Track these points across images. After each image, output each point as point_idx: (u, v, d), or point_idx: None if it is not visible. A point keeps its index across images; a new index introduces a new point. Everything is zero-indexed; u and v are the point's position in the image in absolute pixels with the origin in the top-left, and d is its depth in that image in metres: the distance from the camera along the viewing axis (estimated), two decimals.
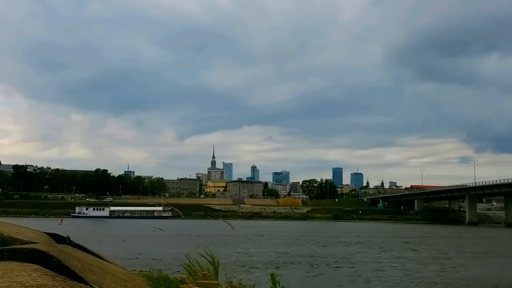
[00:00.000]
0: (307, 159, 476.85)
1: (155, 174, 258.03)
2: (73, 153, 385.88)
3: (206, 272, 4.84)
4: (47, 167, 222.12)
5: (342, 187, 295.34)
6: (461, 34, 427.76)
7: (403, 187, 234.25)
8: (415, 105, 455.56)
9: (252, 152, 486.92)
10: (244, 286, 5.32)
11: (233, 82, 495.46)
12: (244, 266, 29.93)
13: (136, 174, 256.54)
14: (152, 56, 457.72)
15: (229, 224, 6.84)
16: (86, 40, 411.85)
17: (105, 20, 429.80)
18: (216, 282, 4.71)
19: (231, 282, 5.23)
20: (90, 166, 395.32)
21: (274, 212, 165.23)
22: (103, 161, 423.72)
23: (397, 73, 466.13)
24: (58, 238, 7.34)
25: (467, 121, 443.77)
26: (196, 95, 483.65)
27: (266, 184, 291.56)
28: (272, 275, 4.67)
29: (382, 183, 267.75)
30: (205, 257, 5.00)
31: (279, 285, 4.69)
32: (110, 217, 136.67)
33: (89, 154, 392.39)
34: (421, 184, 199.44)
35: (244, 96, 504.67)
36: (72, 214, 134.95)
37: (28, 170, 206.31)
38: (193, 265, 5.07)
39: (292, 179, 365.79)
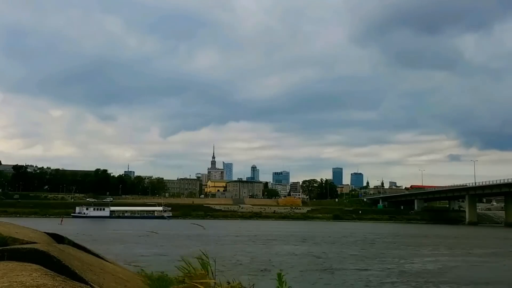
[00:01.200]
0: (302, 157, 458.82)
1: (144, 173, 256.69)
2: (58, 150, 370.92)
3: (204, 272, 4.86)
4: (47, 167, 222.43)
5: (342, 187, 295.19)
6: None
7: (403, 187, 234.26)
8: (402, 98, 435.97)
9: (242, 150, 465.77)
10: (243, 286, 5.33)
11: (220, 74, 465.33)
12: (241, 265, 29.92)
13: (123, 172, 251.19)
14: (133, 44, 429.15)
15: (201, 226, 6.82)
16: (60, 26, 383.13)
17: (81, 3, 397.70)
18: (214, 281, 4.72)
19: (231, 282, 5.24)
20: (77, 165, 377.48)
21: (274, 212, 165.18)
22: (90, 159, 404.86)
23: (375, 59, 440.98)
24: (58, 238, 7.35)
25: (458, 113, 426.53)
26: (180, 88, 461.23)
27: (266, 184, 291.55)
28: (279, 275, 4.68)
29: (382, 183, 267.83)
30: (202, 258, 5.01)
31: (285, 285, 4.69)
32: (110, 217, 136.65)
33: (76, 152, 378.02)
34: (421, 184, 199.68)
35: (232, 90, 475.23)
36: (72, 214, 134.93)
37: (28, 170, 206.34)
38: (189, 266, 5.08)
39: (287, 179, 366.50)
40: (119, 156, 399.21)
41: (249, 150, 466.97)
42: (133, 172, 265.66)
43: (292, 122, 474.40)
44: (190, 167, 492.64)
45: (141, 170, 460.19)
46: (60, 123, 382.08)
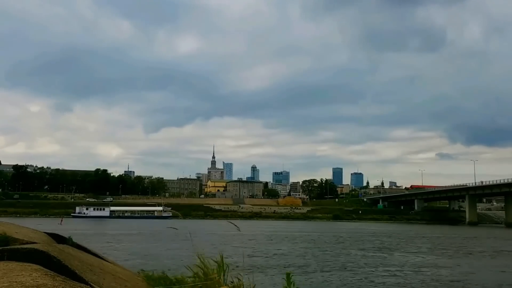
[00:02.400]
0: (296, 155, 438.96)
1: (130, 171, 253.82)
2: (41, 148, 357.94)
3: (213, 273, 4.85)
4: (47, 167, 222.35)
5: (342, 187, 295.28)
6: None
7: (403, 187, 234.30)
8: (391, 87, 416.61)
9: (231, 147, 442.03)
10: (245, 286, 5.33)
11: (204, 63, 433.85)
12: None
13: (110, 170, 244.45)
14: (107, 30, 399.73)
15: (235, 225, 6.83)
16: (25, 10, 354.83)
17: None
18: (216, 277, 4.71)
19: (236, 281, 5.23)
20: (64, 164, 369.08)
21: (274, 212, 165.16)
22: (76, 157, 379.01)
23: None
24: (58, 238, 7.34)
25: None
26: (161, 79, 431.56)
27: (266, 184, 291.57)
28: (288, 275, 4.67)
29: (382, 183, 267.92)
30: (211, 258, 5.00)
31: (293, 285, 4.67)
32: (110, 217, 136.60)
33: (61, 150, 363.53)
34: (421, 184, 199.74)
35: (217, 82, 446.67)
36: (72, 214, 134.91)
37: (28, 170, 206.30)
38: (203, 265, 5.08)
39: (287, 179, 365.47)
40: (106, 153, 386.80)
41: (239, 148, 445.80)
42: (133, 172, 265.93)
43: (282, 118, 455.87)
44: (180, 166, 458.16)
45: (117, 166, 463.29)
46: (40, 118, 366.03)
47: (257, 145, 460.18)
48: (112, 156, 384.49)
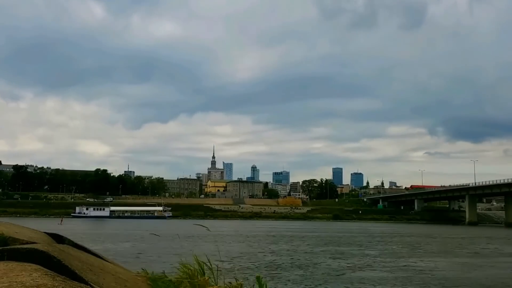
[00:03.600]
0: (290, 153, 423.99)
1: (121, 170, 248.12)
2: (23, 145, 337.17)
3: (205, 276, 4.85)
4: (47, 167, 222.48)
5: (342, 187, 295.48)
6: None
7: (403, 187, 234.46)
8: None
9: (220, 145, 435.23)
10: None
11: (185, 54, 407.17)
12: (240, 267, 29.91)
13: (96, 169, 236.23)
14: (79, 15, 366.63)
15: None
16: None
17: None
18: (214, 284, 4.71)
19: (230, 283, 5.23)
20: (49, 162, 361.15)
21: (274, 212, 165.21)
22: (60, 154, 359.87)
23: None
24: (58, 238, 7.34)
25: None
26: (140, 70, 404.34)
27: (266, 184, 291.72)
28: (258, 278, 4.68)
29: (382, 183, 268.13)
30: (201, 259, 5.00)
31: (265, 287, 4.70)
32: (110, 217, 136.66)
33: (46, 148, 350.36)
34: (421, 184, 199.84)
35: (199, 73, 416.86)
36: (72, 214, 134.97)
37: (28, 170, 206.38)
38: (190, 268, 5.07)
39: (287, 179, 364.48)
40: (92, 151, 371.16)
41: (228, 145, 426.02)
42: (133, 172, 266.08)
43: (271, 113, 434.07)
44: (170, 165, 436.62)
45: (118, 166, 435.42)
46: (17, 113, 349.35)
47: (246, 142, 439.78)
48: (99, 154, 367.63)
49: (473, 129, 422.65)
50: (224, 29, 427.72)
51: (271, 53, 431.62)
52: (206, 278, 4.80)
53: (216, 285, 4.85)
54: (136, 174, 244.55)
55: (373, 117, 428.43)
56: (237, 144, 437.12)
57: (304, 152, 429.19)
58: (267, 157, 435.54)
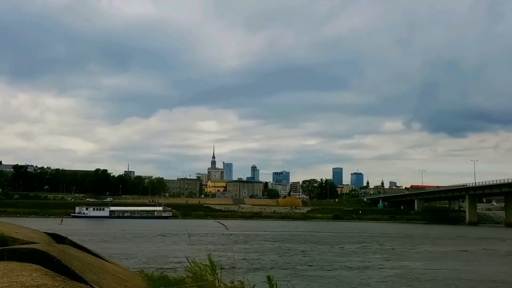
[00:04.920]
0: (282, 150, 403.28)
1: (109, 169, 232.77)
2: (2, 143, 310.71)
3: (207, 274, 4.85)
4: (47, 167, 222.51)
5: (342, 187, 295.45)
6: None
7: (403, 187, 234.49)
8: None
9: (205, 142, 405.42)
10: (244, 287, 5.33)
11: (160, 41, 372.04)
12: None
13: (87, 167, 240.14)
14: None
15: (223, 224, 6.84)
16: None
17: None
18: (216, 281, 4.71)
19: (233, 282, 5.24)
20: (31, 161, 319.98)
21: (274, 212, 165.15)
22: (42, 152, 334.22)
23: None
24: (58, 238, 7.35)
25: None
26: (114, 58, 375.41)
27: (266, 184, 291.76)
28: (269, 278, 4.67)
29: (382, 183, 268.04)
30: (204, 259, 5.00)
31: (276, 287, 4.68)
32: (110, 217, 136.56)
33: (30, 146, 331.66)
34: (421, 184, 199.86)
35: (177, 62, 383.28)
36: (72, 214, 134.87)
37: (28, 170, 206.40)
38: (195, 267, 5.07)
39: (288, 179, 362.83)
40: (76, 149, 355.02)
41: (217, 142, 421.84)
42: (133, 172, 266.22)
43: (257, 107, 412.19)
44: (159, 163, 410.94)
45: (105, 165, 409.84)
46: None
47: (234, 139, 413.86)
48: (84, 151, 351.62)
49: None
50: (202, 11, 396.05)
51: (255, 40, 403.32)
52: (212, 278, 4.81)
53: (220, 284, 4.85)
54: (125, 173, 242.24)
55: (366, 111, 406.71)
56: (225, 142, 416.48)
57: (298, 149, 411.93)
58: (259, 154, 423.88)
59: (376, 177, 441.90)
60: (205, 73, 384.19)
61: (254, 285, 5.50)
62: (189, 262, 5.11)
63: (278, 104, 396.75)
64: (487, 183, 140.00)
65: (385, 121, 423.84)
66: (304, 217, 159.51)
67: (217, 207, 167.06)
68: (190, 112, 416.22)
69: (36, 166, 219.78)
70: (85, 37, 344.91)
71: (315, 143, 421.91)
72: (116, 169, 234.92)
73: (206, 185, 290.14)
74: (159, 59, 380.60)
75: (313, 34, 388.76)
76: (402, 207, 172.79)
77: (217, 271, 4.94)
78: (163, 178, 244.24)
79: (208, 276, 4.79)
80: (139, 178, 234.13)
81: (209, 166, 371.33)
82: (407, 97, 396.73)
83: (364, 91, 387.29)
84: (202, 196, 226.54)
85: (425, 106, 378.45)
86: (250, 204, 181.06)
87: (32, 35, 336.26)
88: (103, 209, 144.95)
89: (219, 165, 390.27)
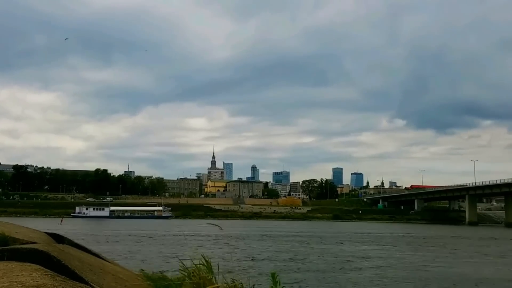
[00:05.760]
0: (276, 147, 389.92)
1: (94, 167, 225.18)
2: None
3: (205, 274, 4.85)
4: (47, 167, 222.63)
5: (342, 187, 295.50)
6: None
7: (403, 187, 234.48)
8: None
9: (198, 140, 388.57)
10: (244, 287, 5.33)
11: (142, 31, 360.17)
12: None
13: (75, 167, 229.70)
14: None
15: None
16: None
17: None
18: (216, 284, 4.71)
19: (234, 281, 5.23)
20: (18, 160, 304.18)
21: (274, 212, 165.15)
22: (35, 152, 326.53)
23: None
24: (58, 238, 7.35)
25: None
26: (97, 50, 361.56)
27: (266, 184, 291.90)
28: (273, 275, 4.66)
29: (382, 183, 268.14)
30: (200, 259, 4.99)
31: (279, 284, 4.67)
32: (110, 217, 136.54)
33: (17, 144, 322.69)
34: (421, 184, 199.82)
35: (163, 54, 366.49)
36: (72, 214, 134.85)
37: (28, 170, 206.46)
38: (188, 267, 5.07)
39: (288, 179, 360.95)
40: (65, 147, 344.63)
41: (208, 140, 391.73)
42: (133, 172, 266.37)
43: (248, 103, 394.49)
44: (151, 161, 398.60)
45: (97, 163, 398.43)
46: None
47: (226, 137, 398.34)
48: (73, 149, 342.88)
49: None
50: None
51: (242, 29, 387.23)
52: (209, 277, 4.80)
53: (217, 283, 4.85)
54: (125, 173, 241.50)
55: (361, 108, 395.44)
56: (217, 140, 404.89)
57: (295, 147, 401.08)
58: (254, 153, 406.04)
59: (376, 176, 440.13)
60: (191, 67, 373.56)
61: (254, 285, 5.50)
62: (181, 262, 5.09)
63: (269, 100, 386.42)
64: (487, 183, 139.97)
65: (381, 118, 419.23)
66: (304, 217, 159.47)
67: (217, 207, 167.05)
68: (178, 109, 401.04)
69: (36, 166, 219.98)
70: (66, 26, 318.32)
71: (311, 141, 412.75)
72: (116, 169, 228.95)
73: (206, 185, 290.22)
74: (144, 51, 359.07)
75: (303, 22, 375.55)
76: (402, 207, 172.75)
77: (214, 271, 4.94)
78: (163, 178, 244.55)
79: (205, 275, 4.79)
80: (139, 178, 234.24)
81: (203, 165, 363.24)
82: (398, 92, 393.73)
83: (353, 86, 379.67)
84: (202, 196, 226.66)
85: (422, 102, 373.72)
86: (250, 204, 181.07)
87: (7, 24, 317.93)
88: (103, 209, 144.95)
89: (219, 165, 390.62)
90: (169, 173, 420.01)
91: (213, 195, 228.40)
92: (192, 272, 4.88)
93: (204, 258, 4.83)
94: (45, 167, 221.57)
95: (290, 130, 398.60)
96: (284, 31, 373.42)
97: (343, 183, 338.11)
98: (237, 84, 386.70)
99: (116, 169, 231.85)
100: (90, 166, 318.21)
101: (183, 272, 4.98)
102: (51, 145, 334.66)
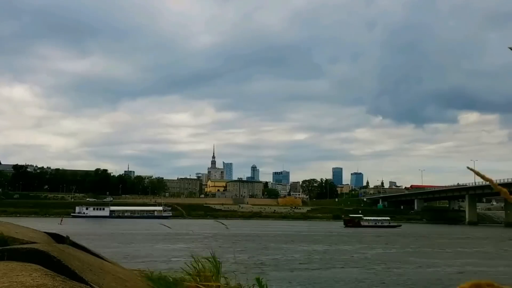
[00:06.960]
0: (269, 145, 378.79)
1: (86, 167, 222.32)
2: None
3: (209, 273, 4.85)
4: (47, 167, 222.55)
5: (342, 187, 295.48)
6: None
7: (403, 187, 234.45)
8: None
9: (182, 137, 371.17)
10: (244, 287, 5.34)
11: (111, 16, 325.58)
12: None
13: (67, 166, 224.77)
14: None
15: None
16: None
17: None
18: (218, 283, 4.72)
19: (239, 282, 5.24)
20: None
21: (274, 212, 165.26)
22: (18, 151, 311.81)
23: None
24: (58, 238, 7.35)
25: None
26: (68, 36, 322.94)
27: (266, 183, 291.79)
28: (258, 280, 4.66)
29: (382, 183, 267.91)
30: (207, 258, 5.00)
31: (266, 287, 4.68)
32: (110, 217, 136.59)
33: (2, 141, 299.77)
34: (421, 183, 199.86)
35: (141, 39, 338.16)
36: (72, 214, 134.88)
37: (28, 170, 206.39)
38: (197, 266, 5.07)
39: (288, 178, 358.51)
40: (49, 144, 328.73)
41: (195, 137, 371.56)
42: (133, 172, 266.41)
43: (234, 97, 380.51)
44: (143, 160, 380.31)
45: (84, 162, 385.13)
46: None
47: (212, 134, 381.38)
48: (58, 147, 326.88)
49: None
50: None
51: (225, 12, 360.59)
52: (212, 275, 4.81)
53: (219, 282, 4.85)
54: (125, 173, 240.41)
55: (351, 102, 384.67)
56: (204, 136, 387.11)
57: (288, 145, 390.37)
58: (247, 151, 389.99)
59: (376, 175, 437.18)
60: (172, 56, 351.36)
61: (254, 285, 5.50)
62: (193, 258, 5.09)
63: (256, 93, 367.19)
64: (487, 183, 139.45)
65: (374, 114, 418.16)
66: (304, 217, 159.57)
67: (217, 207, 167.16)
68: (159, 103, 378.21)
69: (36, 166, 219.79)
70: (32, 9, 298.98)
71: (305, 138, 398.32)
72: (109, 168, 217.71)
73: (206, 184, 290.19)
74: (121, 38, 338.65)
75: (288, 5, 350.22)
76: (402, 207, 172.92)
77: (220, 270, 4.95)
78: (163, 178, 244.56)
79: (211, 275, 4.80)
80: (139, 178, 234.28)
81: (194, 163, 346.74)
82: (388, 89, 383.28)
83: (342, 79, 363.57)
84: (202, 196, 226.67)
85: (414, 96, 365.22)
86: (250, 204, 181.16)
87: None
88: (103, 209, 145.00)
89: (219, 165, 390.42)
90: (161, 172, 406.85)
91: (213, 195, 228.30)
92: (197, 272, 4.89)
93: (213, 258, 4.85)
94: (45, 167, 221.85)
95: (281, 126, 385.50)
96: (268, 14, 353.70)
97: (343, 182, 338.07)
98: (220, 75, 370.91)
99: (109, 168, 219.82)
100: (80, 165, 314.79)
101: (185, 272, 4.99)
102: (34, 142, 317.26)
